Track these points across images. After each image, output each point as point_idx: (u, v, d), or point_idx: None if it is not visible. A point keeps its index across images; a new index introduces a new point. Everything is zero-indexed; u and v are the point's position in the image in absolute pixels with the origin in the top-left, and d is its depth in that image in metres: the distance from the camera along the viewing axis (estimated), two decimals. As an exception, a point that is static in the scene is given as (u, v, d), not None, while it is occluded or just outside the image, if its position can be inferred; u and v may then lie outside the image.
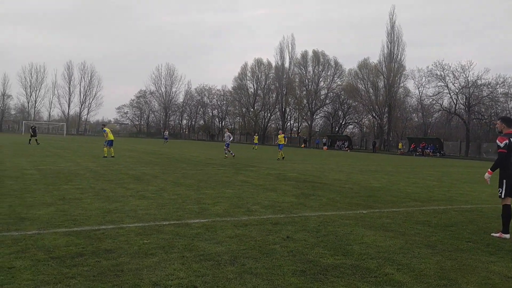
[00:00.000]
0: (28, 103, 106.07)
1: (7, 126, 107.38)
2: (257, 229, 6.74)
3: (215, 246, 5.64)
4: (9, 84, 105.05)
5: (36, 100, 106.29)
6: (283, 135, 28.43)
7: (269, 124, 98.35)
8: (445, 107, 64.45)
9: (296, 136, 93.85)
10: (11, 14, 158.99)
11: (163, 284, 4.21)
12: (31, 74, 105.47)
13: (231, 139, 26.65)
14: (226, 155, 25.88)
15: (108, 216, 7.31)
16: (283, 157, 27.04)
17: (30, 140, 35.46)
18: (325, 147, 67.22)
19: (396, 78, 72.31)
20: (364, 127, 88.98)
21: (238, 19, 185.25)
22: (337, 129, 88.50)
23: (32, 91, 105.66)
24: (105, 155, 22.00)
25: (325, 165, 23.97)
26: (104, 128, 23.19)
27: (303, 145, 72.52)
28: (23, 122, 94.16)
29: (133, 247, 5.45)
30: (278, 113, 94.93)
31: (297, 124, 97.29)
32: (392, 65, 72.15)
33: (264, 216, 7.87)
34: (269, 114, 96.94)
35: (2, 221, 6.56)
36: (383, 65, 73.85)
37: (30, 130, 37.43)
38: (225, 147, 26.46)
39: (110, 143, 22.36)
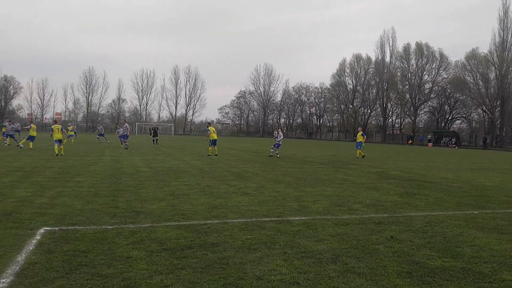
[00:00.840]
0: (140, 106, 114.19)
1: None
2: (359, 228, 6.62)
3: (316, 244, 5.65)
4: (123, 89, 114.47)
5: (147, 103, 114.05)
6: (361, 132, 25.28)
7: (369, 121, 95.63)
8: None
9: (399, 133, 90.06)
10: (123, 25, 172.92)
11: (266, 279, 4.33)
12: (142, 79, 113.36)
13: (281, 138, 24.40)
14: (271, 155, 23.86)
15: (213, 211, 7.67)
16: (363, 156, 24.45)
17: (154, 140, 37.61)
18: (430, 144, 63.68)
19: (510, 68, 66.15)
20: (473, 122, 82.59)
21: (335, 15, 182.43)
22: (443, 125, 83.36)
23: (144, 95, 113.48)
24: (209, 154, 22.98)
25: (431, 163, 22.73)
26: (208, 128, 24.06)
27: (410, 141, 69.18)
28: (136, 123, 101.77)
29: (237, 241, 5.66)
30: (378, 109, 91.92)
31: (399, 120, 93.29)
32: (505, 54, 66.15)
33: (366, 215, 7.71)
34: (369, 111, 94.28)
35: (120, 214, 7.20)
36: (494, 55, 68.05)
37: (152, 131, 39.58)
38: (273, 146, 24.06)
39: (214, 142, 23.16)
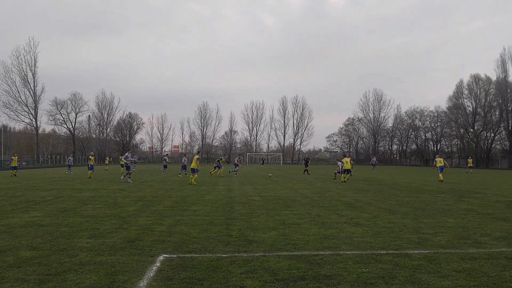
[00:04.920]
0: (250, 136, 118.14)
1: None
2: (489, 264, 5.95)
3: (440, 280, 5.17)
4: (235, 121, 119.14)
5: (257, 133, 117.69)
6: (441, 159, 28.02)
7: (493, 146, 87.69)
8: None
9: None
10: (233, 61, 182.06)
11: (386, 317, 4.02)
12: (252, 111, 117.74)
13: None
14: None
15: (325, 242, 7.45)
16: (441, 180, 26.21)
17: (305, 171, 37.73)
18: None
19: None
20: None
21: (451, 35, 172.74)
22: None
23: (253, 126, 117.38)
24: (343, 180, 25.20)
25: None
26: (342, 160, 26.46)
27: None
28: (247, 154, 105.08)
29: (352, 275, 5.39)
30: (503, 133, 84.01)
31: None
32: None
33: (496, 249, 6.93)
34: (492, 134, 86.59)
35: (234, 243, 7.32)
36: None
37: (303, 160, 40.50)
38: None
39: (348, 171, 25.53)
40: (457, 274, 5.45)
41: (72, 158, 43.34)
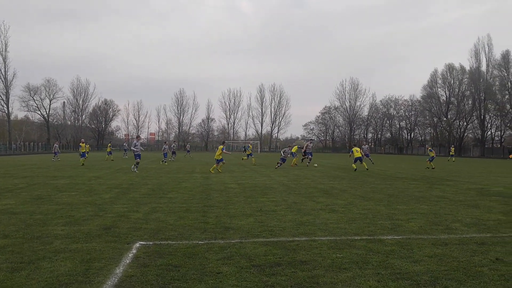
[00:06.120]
0: (228, 124, 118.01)
1: (211, 146, 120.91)
2: (460, 249, 6.13)
3: (412, 265, 5.31)
4: (212, 109, 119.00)
5: (234, 121, 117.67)
6: (429, 148, 30.77)
7: (465, 134, 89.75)
8: None
9: (499, 146, 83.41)
10: (210, 48, 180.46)
11: (359, 300, 4.12)
12: (229, 98, 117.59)
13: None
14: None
15: (301, 228, 7.55)
16: (433, 168, 28.50)
17: (303, 159, 32.78)
18: (536, 158, 58.00)
19: None
20: None
21: (427, 25, 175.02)
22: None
23: (231, 114, 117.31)
24: (355, 169, 25.24)
25: (539, 179, 20.65)
26: (352, 149, 26.73)
27: (511, 155, 63.73)
28: (224, 141, 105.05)
29: (327, 260, 5.49)
30: (475, 121, 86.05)
31: (499, 132, 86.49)
32: None
33: (466, 235, 7.14)
34: (465, 123, 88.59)
35: (211, 230, 7.34)
36: None
37: (302, 151, 39.19)
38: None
39: (360, 159, 25.79)
40: (429, 259, 5.60)
41: (57, 145, 41.77)
